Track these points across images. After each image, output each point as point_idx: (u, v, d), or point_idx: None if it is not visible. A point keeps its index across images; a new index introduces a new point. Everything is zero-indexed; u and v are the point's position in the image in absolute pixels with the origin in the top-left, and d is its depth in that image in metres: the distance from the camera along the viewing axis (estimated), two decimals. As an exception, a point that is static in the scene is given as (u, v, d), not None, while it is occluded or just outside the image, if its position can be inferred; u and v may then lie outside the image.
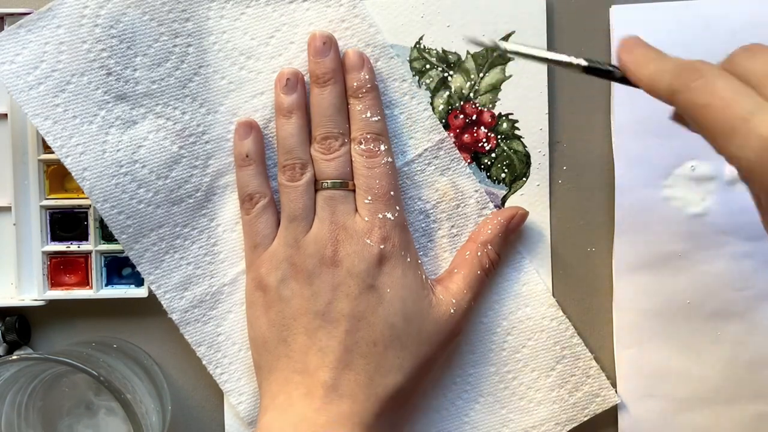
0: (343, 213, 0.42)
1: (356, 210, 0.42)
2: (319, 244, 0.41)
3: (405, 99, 0.45)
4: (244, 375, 0.45)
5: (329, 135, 0.42)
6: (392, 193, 0.42)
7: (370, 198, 0.42)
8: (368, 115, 0.43)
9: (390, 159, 0.43)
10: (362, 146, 0.42)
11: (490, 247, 0.44)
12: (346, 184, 0.42)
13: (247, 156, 0.43)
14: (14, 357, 0.40)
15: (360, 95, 0.43)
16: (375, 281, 0.41)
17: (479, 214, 0.45)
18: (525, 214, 0.45)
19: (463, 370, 0.46)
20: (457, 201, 0.45)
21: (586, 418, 0.45)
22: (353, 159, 0.43)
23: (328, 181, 0.42)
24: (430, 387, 0.46)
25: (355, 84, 0.43)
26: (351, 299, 0.41)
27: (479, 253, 0.44)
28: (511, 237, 0.45)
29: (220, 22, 0.44)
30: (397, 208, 0.42)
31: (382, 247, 0.41)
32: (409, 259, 0.42)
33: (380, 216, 0.42)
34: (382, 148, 0.43)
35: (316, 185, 0.43)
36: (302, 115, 0.43)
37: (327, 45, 0.43)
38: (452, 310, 0.42)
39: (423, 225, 0.45)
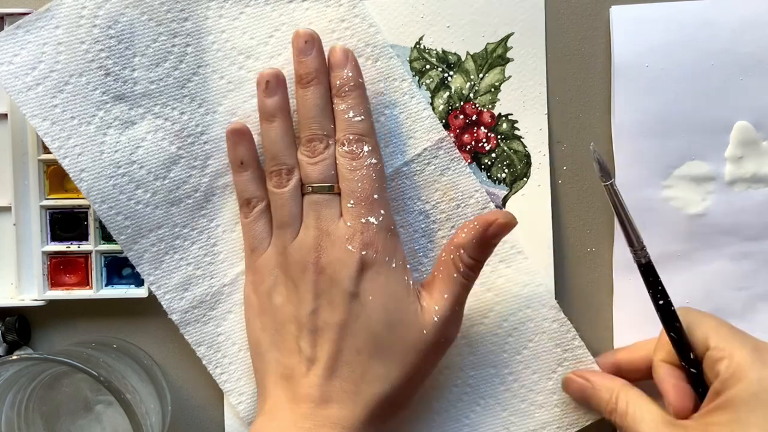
0: (327, 218, 0.41)
1: (341, 214, 0.41)
2: (303, 251, 0.41)
3: (404, 99, 0.45)
4: (243, 375, 0.45)
5: (313, 137, 0.42)
6: (375, 196, 0.41)
7: (352, 202, 0.41)
8: (351, 115, 0.41)
9: (374, 161, 0.41)
10: (345, 148, 0.41)
11: (463, 251, 0.41)
12: (331, 187, 0.41)
13: (242, 163, 0.43)
14: (14, 357, 0.40)
15: (343, 94, 0.42)
16: (357, 289, 0.40)
17: (480, 214, 0.45)
18: (505, 224, 0.41)
19: (463, 372, 0.46)
20: (457, 201, 0.45)
21: (588, 423, 0.45)
22: (337, 161, 0.42)
23: (314, 185, 0.41)
24: (431, 390, 0.46)
25: (338, 82, 0.42)
26: (334, 307, 0.40)
27: (452, 257, 0.41)
28: (493, 243, 0.41)
29: (218, 22, 0.44)
30: (382, 212, 0.41)
31: (364, 253, 0.40)
32: (394, 265, 0.41)
33: (363, 221, 0.41)
34: (366, 149, 0.41)
35: (303, 189, 0.42)
36: (286, 118, 0.42)
37: (310, 43, 0.42)
38: (435, 318, 0.40)
39: (423, 226, 0.45)
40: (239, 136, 0.43)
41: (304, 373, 0.40)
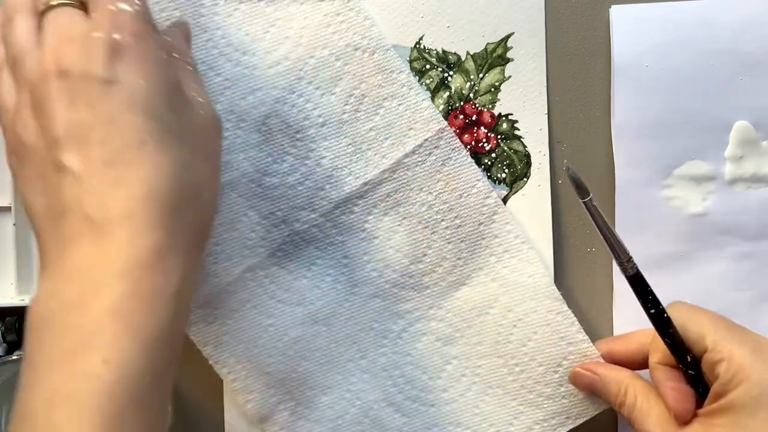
0: (67, 24, 0.34)
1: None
2: (41, 64, 0.33)
3: (403, 90, 0.45)
4: (251, 374, 0.45)
5: None
6: None
7: None
8: None
9: None
10: None
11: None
12: (72, 3, 0.34)
13: None
14: (14, 357, 0.41)
15: None
16: (114, 75, 0.33)
17: (483, 203, 0.45)
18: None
19: (471, 362, 0.46)
20: (459, 191, 0.45)
21: (597, 412, 0.45)
22: None
23: (50, 3, 0.34)
24: (438, 381, 0.46)
25: None
26: (93, 104, 0.32)
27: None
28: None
29: (213, 19, 0.44)
30: (138, 2, 0.35)
31: (115, 36, 0.33)
32: (157, 47, 0.35)
33: (111, 7, 0.34)
34: None
35: (39, 20, 0.34)
36: None
37: None
38: (201, 100, 0.37)
39: (426, 216, 0.45)
40: None
41: (76, 199, 0.32)
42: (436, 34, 0.45)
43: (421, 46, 0.45)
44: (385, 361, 0.46)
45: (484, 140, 0.45)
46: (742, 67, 0.44)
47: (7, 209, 0.45)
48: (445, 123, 0.45)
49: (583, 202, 0.38)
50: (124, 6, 0.34)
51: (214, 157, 0.38)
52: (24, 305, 0.45)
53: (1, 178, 0.45)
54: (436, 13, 0.45)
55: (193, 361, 0.46)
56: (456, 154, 0.45)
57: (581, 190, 0.38)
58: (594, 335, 0.46)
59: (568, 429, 0.45)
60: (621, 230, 0.45)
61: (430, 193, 0.45)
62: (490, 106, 0.45)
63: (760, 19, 0.44)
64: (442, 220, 0.45)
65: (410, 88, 0.45)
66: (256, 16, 0.44)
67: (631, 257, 0.39)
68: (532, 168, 0.45)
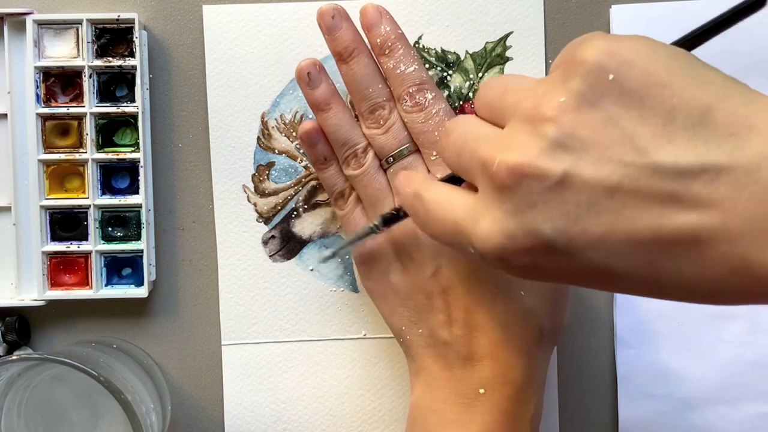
0: None
1: (428, 171, 0.40)
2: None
3: None
4: None
5: (375, 107, 0.41)
6: None
7: (435, 153, 0.39)
8: (402, 68, 0.40)
9: (442, 104, 0.40)
10: (408, 103, 0.40)
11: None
12: (409, 148, 0.40)
13: (324, 159, 0.42)
14: (14, 357, 0.40)
15: (387, 51, 0.40)
16: None
17: None
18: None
19: None
20: None
21: None
22: (405, 120, 0.40)
23: (393, 154, 0.40)
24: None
25: (378, 41, 0.40)
26: (454, 261, 0.38)
27: None
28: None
29: None
30: None
31: None
32: None
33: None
34: (429, 96, 0.40)
35: (382, 164, 0.41)
36: (339, 101, 0.42)
37: (338, 17, 0.40)
38: None
39: None
40: (313, 135, 0.42)
41: (447, 337, 0.39)
42: (435, 33, 0.45)
43: (420, 45, 0.45)
44: None
45: (483, 140, 0.45)
46: (742, 67, 0.44)
47: (7, 209, 0.45)
48: None
49: None
50: None
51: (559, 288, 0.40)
52: (24, 305, 0.45)
53: (1, 178, 0.45)
54: (435, 13, 0.45)
55: (193, 360, 0.46)
56: None
57: None
58: (594, 335, 0.46)
59: None
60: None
61: None
62: (489, 106, 0.45)
63: (760, 19, 0.44)
64: None
65: None
66: None
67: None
68: (531, 168, 0.45)
